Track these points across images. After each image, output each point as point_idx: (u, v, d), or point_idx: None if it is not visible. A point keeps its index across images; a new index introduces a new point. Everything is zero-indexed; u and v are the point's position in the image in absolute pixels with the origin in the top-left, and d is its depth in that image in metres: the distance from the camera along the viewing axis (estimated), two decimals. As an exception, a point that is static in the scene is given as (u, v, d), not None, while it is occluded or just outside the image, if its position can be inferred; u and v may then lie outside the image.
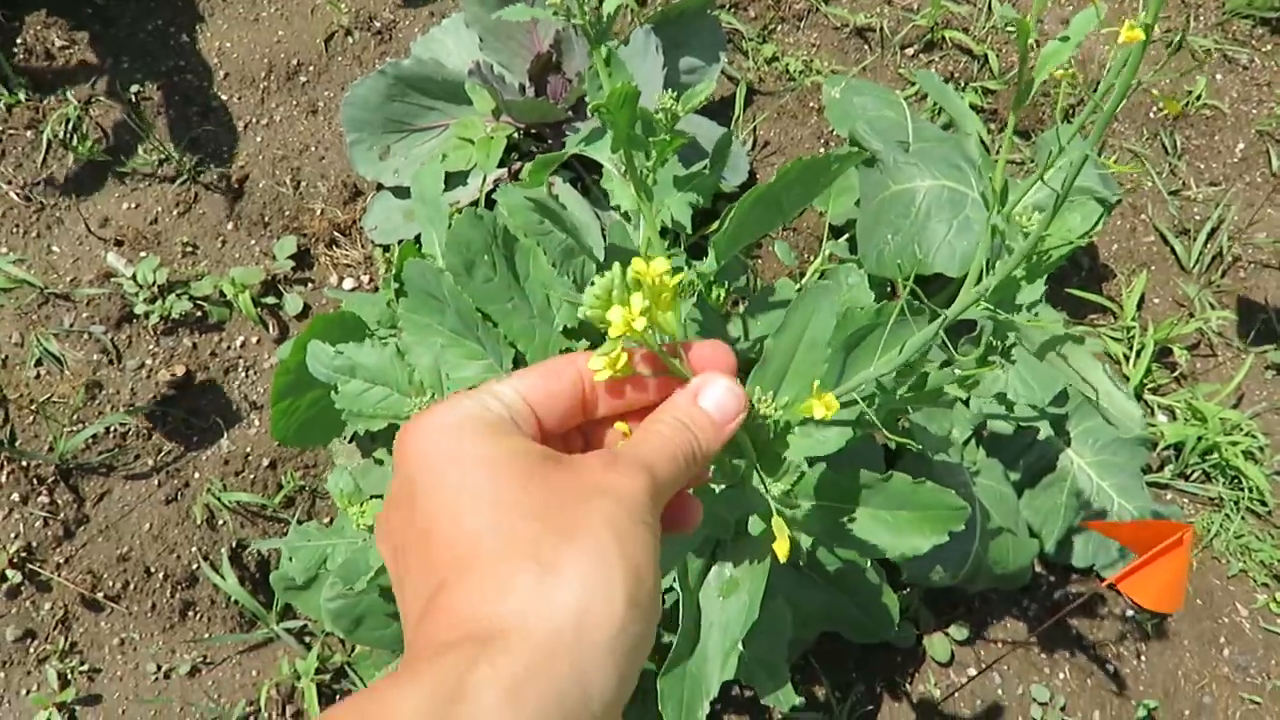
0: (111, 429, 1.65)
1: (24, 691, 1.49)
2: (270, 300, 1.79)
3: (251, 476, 1.64)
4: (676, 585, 1.02)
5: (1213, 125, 2.09)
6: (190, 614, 1.55)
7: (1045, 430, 1.45)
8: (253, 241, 1.86)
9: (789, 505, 0.69)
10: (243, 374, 1.74)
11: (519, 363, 1.16)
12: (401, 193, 1.79)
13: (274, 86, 2.02)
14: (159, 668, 1.51)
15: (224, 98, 2.01)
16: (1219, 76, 2.15)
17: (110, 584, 1.55)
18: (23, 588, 1.55)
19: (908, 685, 1.53)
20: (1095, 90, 0.56)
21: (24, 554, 1.56)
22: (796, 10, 2.17)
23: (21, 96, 1.93)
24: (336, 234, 1.85)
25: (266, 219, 1.88)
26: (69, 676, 1.50)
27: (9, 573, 1.53)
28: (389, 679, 0.36)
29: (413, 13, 2.12)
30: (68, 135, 1.92)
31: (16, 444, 1.62)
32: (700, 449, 0.49)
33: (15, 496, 1.59)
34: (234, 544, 1.59)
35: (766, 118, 2.03)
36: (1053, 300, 1.85)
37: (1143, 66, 2.16)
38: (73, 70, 2.00)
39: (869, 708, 1.51)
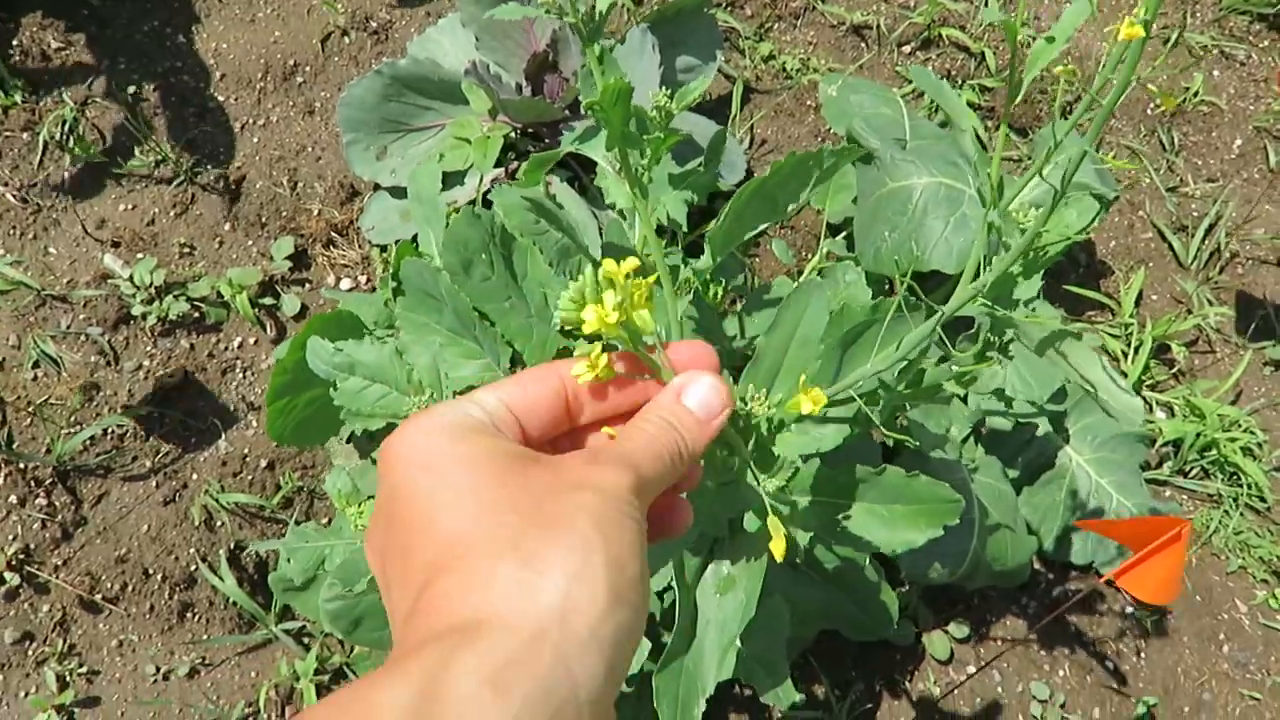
0: (109, 431, 1.65)
1: (23, 694, 1.49)
2: (268, 301, 1.79)
3: (249, 477, 1.64)
4: (673, 583, 1.02)
5: (1210, 121, 2.09)
6: (189, 615, 1.55)
7: (1044, 427, 1.45)
8: (250, 242, 1.86)
9: (784, 501, 0.69)
10: (240, 375, 1.73)
11: (516, 361, 1.16)
12: (399, 193, 1.79)
13: (270, 87, 2.02)
14: (158, 669, 1.51)
15: (221, 98, 2.01)
16: (1216, 73, 2.15)
17: (108, 586, 1.55)
18: (21, 590, 1.54)
19: (907, 683, 1.53)
20: (1093, 87, 0.56)
21: (22, 556, 1.56)
22: (793, 8, 2.17)
23: (18, 98, 1.93)
24: (334, 234, 1.85)
25: (263, 220, 1.87)
26: (68, 679, 1.50)
27: (7, 575, 1.53)
28: (373, 674, 0.36)
29: (409, 13, 2.12)
30: (64, 137, 1.91)
31: (14, 446, 1.62)
32: (686, 447, 0.49)
33: (13, 499, 1.59)
34: (232, 545, 1.59)
35: (763, 116, 2.03)
36: (1051, 297, 1.85)
37: (1140, 63, 2.16)
38: (69, 71, 2.00)
39: (868, 706, 1.51)
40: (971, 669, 1.53)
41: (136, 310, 1.73)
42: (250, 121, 1.99)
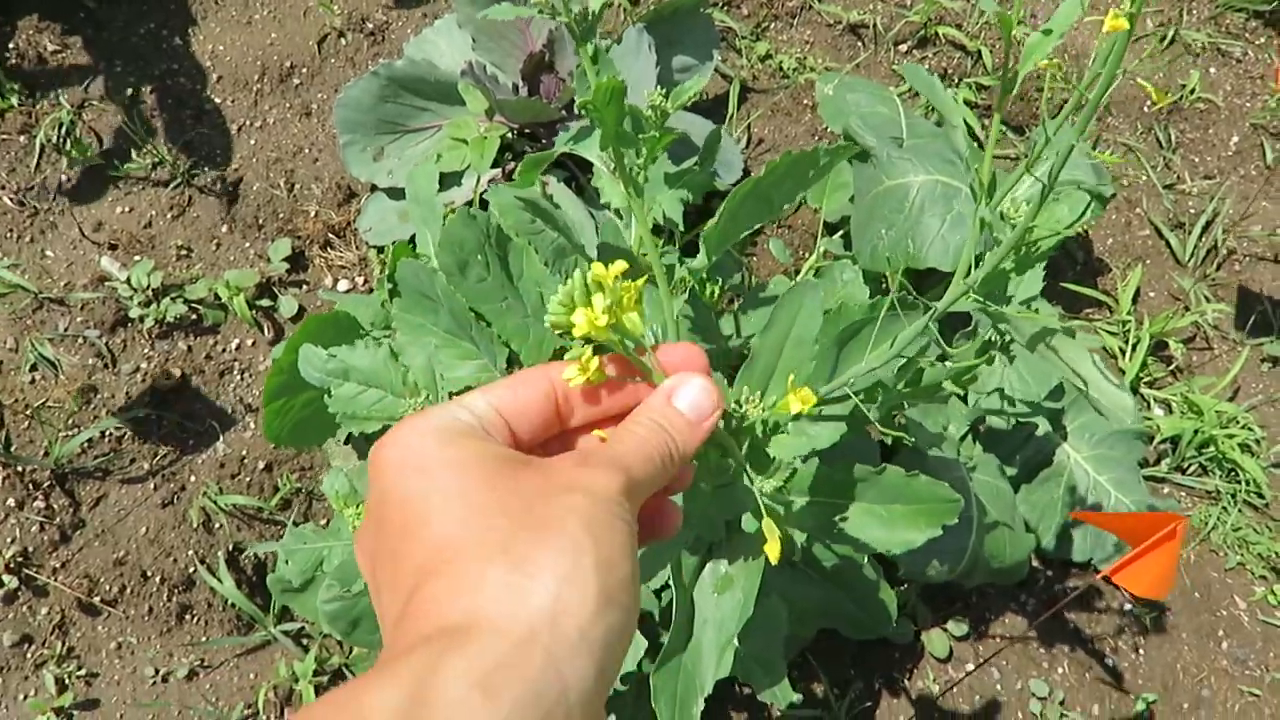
0: (107, 433, 1.65)
1: (22, 696, 1.49)
2: (265, 303, 1.79)
3: (247, 479, 1.64)
4: (671, 582, 1.02)
5: (1207, 119, 2.09)
6: (187, 617, 1.55)
7: (1043, 426, 1.45)
8: (247, 244, 1.86)
9: (781, 502, 0.69)
10: (238, 377, 1.73)
11: (513, 362, 1.16)
12: (396, 194, 1.79)
13: (267, 89, 2.02)
14: (157, 671, 1.51)
15: (217, 101, 2.01)
16: (1213, 70, 2.15)
17: (107, 588, 1.55)
18: (19, 593, 1.54)
19: (906, 681, 1.53)
20: (1084, 83, 0.56)
21: (20, 559, 1.56)
22: (790, 8, 2.17)
23: (14, 101, 1.93)
24: (331, 236, 1.85)
25: (261, 221, 1.88)
26: (66, 681, 1.50)
27: (6, 578, 1.53)
28: (363, 677, 0.36)
29: (405, 14, 2.12)
30: (61, 139, 1.91)
31: (12, 449, 1.62)
32: (677, 449, 0.49)
33: (11, 501, 1.59)
34: (231, 547, 1.59)
35: (760, 115, 2.03)
36: (1048, 294, 1.85)
37: (1136, 60, 2.16)
38: (66, 74, 2.00)
39: (867, 704, 1.51)
40: (970, 667, 1.54)
41: (134, 312, 1.73)
42: (247, 123, 1.99)
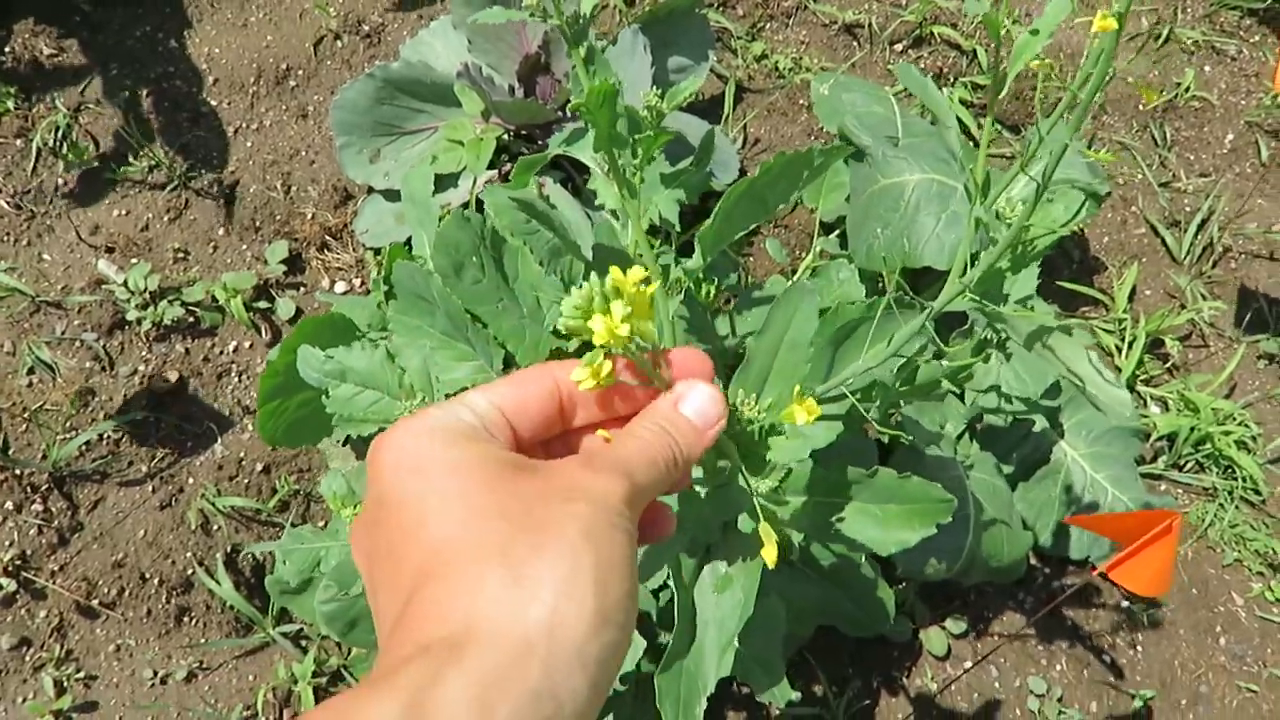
0: (104, 436, 1.65)
1: (20, 700, 1.49)
2: (262, 305, 1.79)
3: (245, 481, 1.64)
4: (670, 582, 1.02)
5: (1202, 117, 2.10)
6: (186, 620, 1.55)
7: (1040, 423, 1.45)
8: (244, 246, 1.86)
9: (777, 502, 0.69)
10: (235, 379, 1.74)
11: (509, 363, 1.17)
12: (392, 196, 1.79)
13: (263, 91, 2.02)
14: (155, 674, 1.51)
15: (213, 103, 2.01)
16: (1208, 68, 2.15)
17: (105, 591, 1.55)
18: (18, 596, 1.55)
19: (904, 679, 1.53)
20: (1076, 81, 0.56)
21: (18, 562, 1.56)
22: (785, 8, 2.17)
23: (10, 105, 1.93)
24: (328, 238, 1.85)
25: (258, 224, 1.88)
26: (65, 684, 1.50)
27: (4, 581, 1.53)
28: (360, 686, 0.36)
29: (401, 16, 2.12)
30: (58, 143, 1.92)
31: (9, 452, 1.62)
32: (681, 454, 0.48)
33: (9, 505, 1.59)
34: (229, 549, 1.59)
35: (756, 115, 2.03)
36: (1044, 293, 1.85)
37: (1131, 58, 2.16)
38: (62, 77, 2.00)
39: (866, 702, 1.51)
40: (968, 664, 1.54)
41: (131, 315, 1.73)
42: (243, 126, 1.99)
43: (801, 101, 2.05)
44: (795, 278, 1.68)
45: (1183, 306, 1.86)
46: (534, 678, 0.36)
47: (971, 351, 0.96)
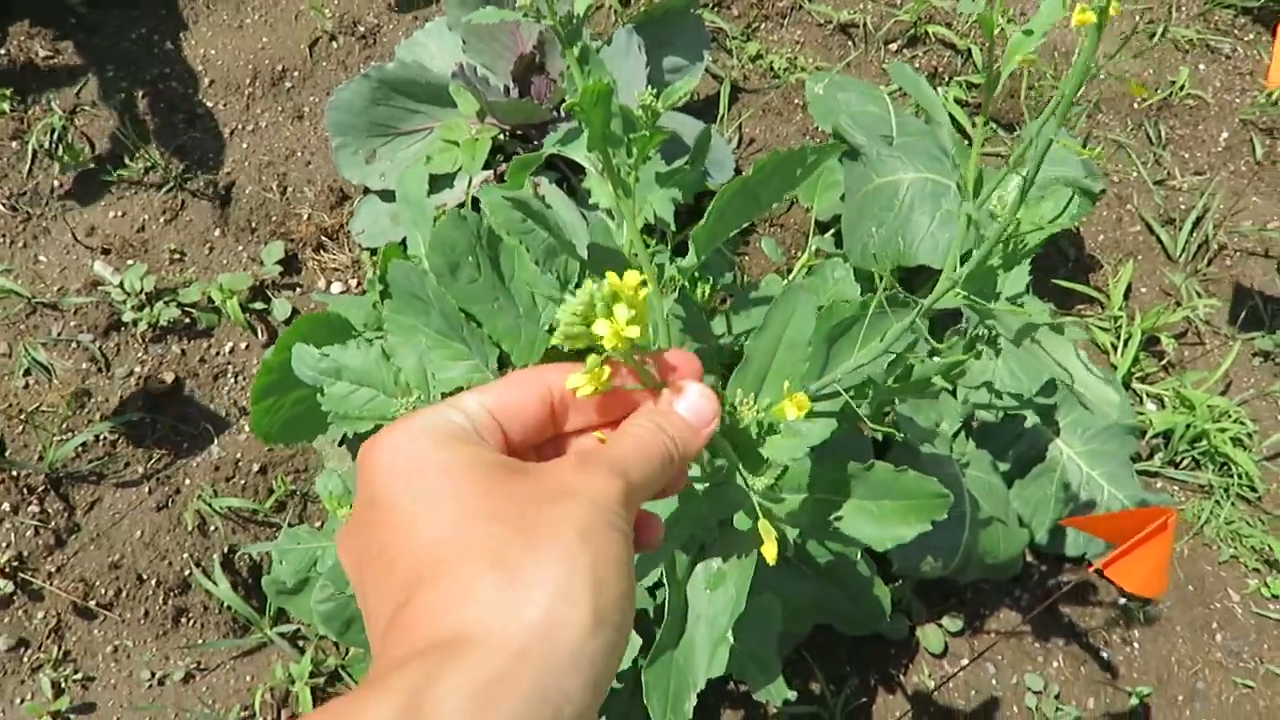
0: (101, 437, 1.65)
1: (18, 700, 1.49)
2: (258, 306, 1.79)
3: (242, 482, 1.64)
4: (664, 580, 1.02)
5: (1197, 115, 2.10)
6: (183, 620, 1.55)
7: (1032, 418, 1.45)
8: (240, 247, 1.86)
9: (774, 500, 0.69)
10: (232, 380, 1.74)
11: (504, 362, 1.17)
12: (388, 196, 1.79)
13: (259, 92, 2.02)
14: (153, 675, 1.51)
15: (209, 104, 2.01)
16: (1202, 66, 2.16)
17: (102, 592, 1.55)
18: (15, 597, 1.55)
19: (901, 677, 1.54)
20: (1064, 78, 0.56)
21: (15, 563, 1.56)
22: (780, 8, 2.17)
23: (6, 106, 1.93)
24: (324, 238, 1.85)
25: (254, 225, 1.88)
26: (63, 685, 1.50)
27: (1, 582, 1.53)
28: (355, 692, 0.36)
29: (397, 17, 2.12)
30: (53, 145, 1.92)
31: (6, 454, 1.62)
32: (677, 452, 0.48)
33: (6, 506, 1.59)
34: (226, 549, 1.59)
35: (751, 115, 2.03)
36: (1039, 291, 1.86)
37: (1126, 56, 2.17)
38: (58, 79, 2.00)
39: (863, 700, 1.51)
40: (965, 662, 1.54)
41: (127, 317, 1.73)
42: (239, 127, 1.99)
43: (797, 101, 2.05)
44: (791, 277, 1.69)
45: (1178, 304, 1.87)
46: (531, 680, 0.35)
47: (963, 348, 0.97)
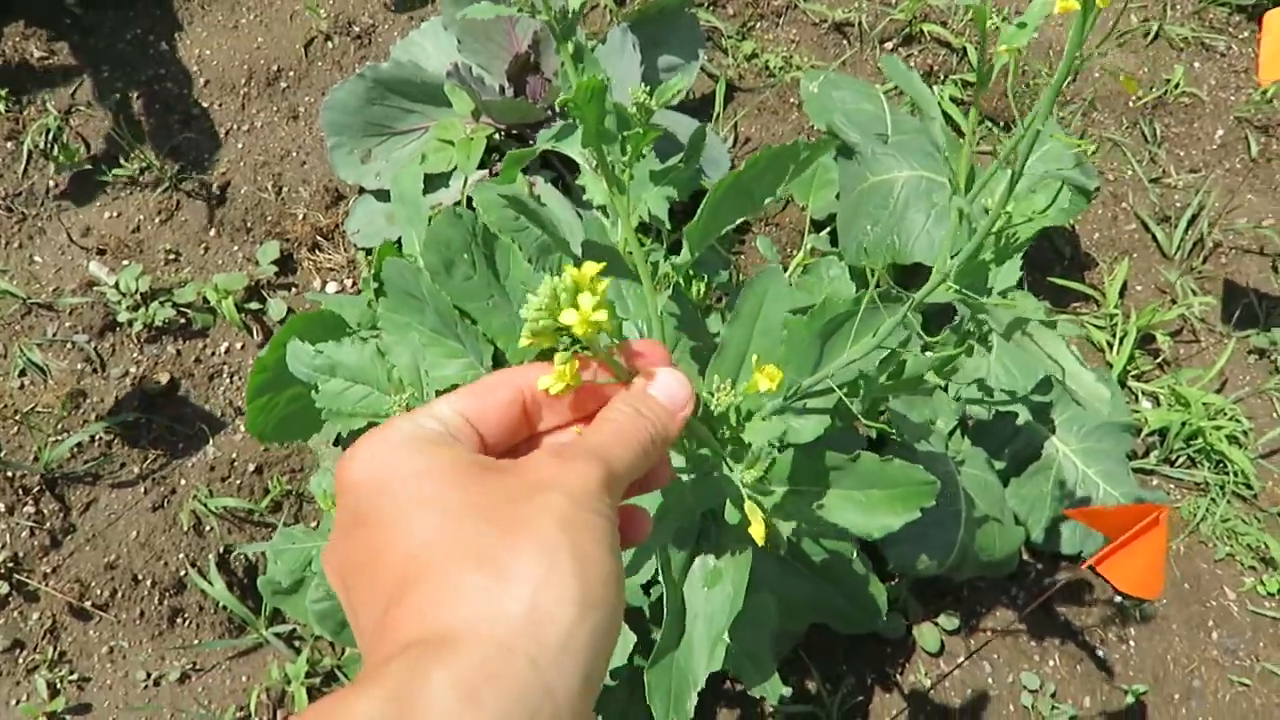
0: (96, 437, 1.65)
1: (14, 702, 1.48)
2: (254, 306, 1.79)
3: (238, 482, 1.64)
4: (660, 578, 1.02)
5: (1192, 113, 2.10)
6: (179, 621, 1.55)
7: (1024, 415, 1.45)
8: (235, 247, 1.86)
9: (762, 492, 0.69)
10: (227, 380, 1.74)
11: (499, 360, 1.17)
12: (383, 196, 1.79)
13: (254, 93, 2.02)
14: (148, 675, 1.51)
15: (204, 105, 2.01)
16: (1197, 64, 2.16)
17: (98, 592, 1.55)
18: (10, 598, 1.54)
19: (898, 675, 1.53)
20: (1073, 78, 0.56)
21: (11, 564, 1.56)
22: (775, 7, 2.18)
23: (1, 107, 1.93)
24: (319, 238, 1.85)
25: (249, 225, 1.88)
26: (58, 686, 1.49)
27: (-4, 583, 1.53)
28: (342, 690, 0.36)
29: (392, 17, 2.12)
30: (49, 145, 1.91)
31: (1, 454, 1.62)
32: (657, 434, 0.48)
33: (1, 507, 1.59)
34: (221, 550, 1.59)
35: (747, 114, 2.03)
36: (1035, 289, 1.86)
37: (1121, 54, 2.17)
38: (53, 79, 2.00)
39: (859, 699, 1.51)
40: (962, 660, 1.54)
41: (122, 317, 1.73)
42: (234, 127, 1.99)
43: (792, 100, 2.05)
44: (786, 275, 1.69)
45: (1173, 302, 1.87)
46: (520, 670, 0.35)
47: (955, 343, 0.97)
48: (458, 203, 1.70)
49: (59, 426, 1.65)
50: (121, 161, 1.92)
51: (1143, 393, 1.79)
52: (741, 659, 1.19)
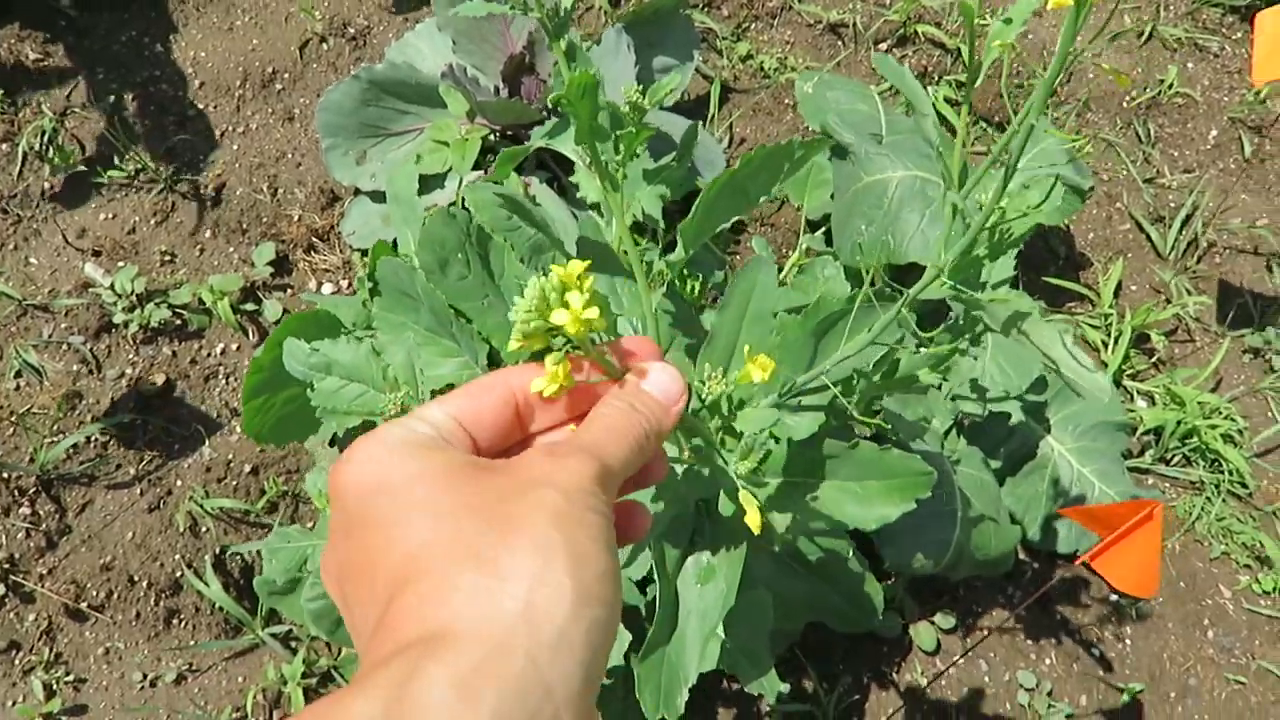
0: (92, 439, 1.65)
1: (10, 703, 1.48)
2: (249, 307, 1.79)
3: (234, 483, 1.64)
4: (655, 575, 1.02)
5: (1185, 113, 2.11)
6: (175, 622, 1.55)
7: (1017, 414, 1.45)
8: (231, 249, 1.86)
9: (757, 484, 0.69)
10: (223, 381, 1.73)
11: (494, 359, 1.17)
12: (379, 197, 1.80)
13: (249, 94, 2.02)
14: (144, 676, 1.51)
15: (200, 106, 2.01)
16: (1190, 65, 2.17)
17: (94, 594, 1.55)
18: (6, 599, 1.54)
19: (894, 674, 1.54)
20: (1067, 79, 0.56)
21: (7, 566, 1.55)
22: (770, 8, 2.18)
23: (-4, 109, 1.93)
24: (314, 239, 1.85)
25: (244, 226, 1.88)
26: (54, 687, 1.49)
27: (-9, 585, 1.53)
28: (340, 690, 0.36)
29: (387, 18, 2.12)
30: (44, 147, 1.91)
31: (-3, 456, 1.62)
32: (651, 429, 0.48)
33: (-4, 508, 1.59)
34: (217, 551, 1.59)
35: (742, 115, 2.04)
36: (1030, 289, 1.86)
37: (1115, 55, 2.17)
38: (48, 81, 2.00)
39: (856, 698, 1.51)
40: (958, 659, 1.54)
41: (118, 318, 1.73)
42: (230, 129, 1.99)
43: (787, 101, 2.05)
44: (781, 275, 1.69)
45: (1168, 301, 1.87)
46: (518, 667, 0.35)
47: (949, 342, 0.97)
48: (453, 203, 1.71)
49: (55, 428, 1.65)
50: (117, 163, 1.92)
51: (1138, 392, 1.79)
52: (738, 656, 1.19)
